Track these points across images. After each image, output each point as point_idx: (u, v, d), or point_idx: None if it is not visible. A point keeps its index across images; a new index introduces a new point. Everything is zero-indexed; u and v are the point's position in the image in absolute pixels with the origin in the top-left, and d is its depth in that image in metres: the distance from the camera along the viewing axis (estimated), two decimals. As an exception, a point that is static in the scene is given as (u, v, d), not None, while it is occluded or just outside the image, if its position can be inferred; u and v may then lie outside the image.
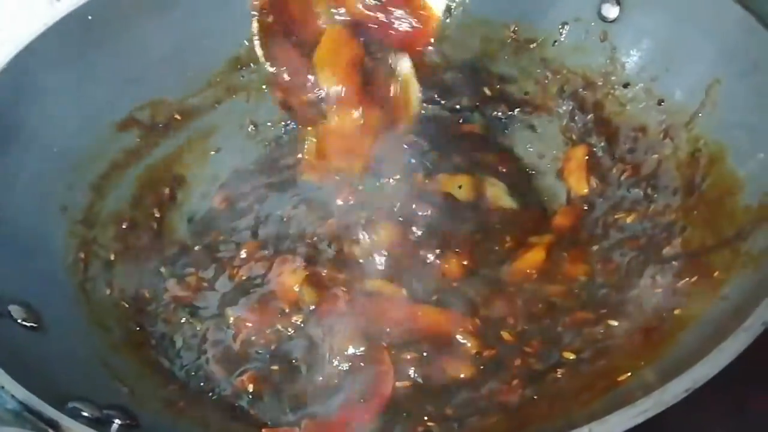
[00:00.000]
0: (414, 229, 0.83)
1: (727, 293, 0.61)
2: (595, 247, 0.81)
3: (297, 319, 0.78)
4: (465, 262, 0.81)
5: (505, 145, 0.97)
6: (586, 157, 0.88)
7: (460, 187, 0.88)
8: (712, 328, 0.58)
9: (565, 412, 0.62)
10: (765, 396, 0.68)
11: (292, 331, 0.77)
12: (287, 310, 0.78)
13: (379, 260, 0.81)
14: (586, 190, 0.87)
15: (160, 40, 0.92)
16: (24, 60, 0.82)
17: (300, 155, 0.91)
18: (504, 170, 0.93)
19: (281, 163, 0.97)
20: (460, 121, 1.00)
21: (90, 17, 0.88)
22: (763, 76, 0.70)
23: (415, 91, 0.73)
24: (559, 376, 0.68)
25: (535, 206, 0.89)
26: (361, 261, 0.82)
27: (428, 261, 0.81)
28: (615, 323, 0.71)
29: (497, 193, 0.89)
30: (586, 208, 0.86)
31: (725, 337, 0.51)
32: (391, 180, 0.89)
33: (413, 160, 0.92)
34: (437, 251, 0.81)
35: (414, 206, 0.85)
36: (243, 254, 0.86)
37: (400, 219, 0.84)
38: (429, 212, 0.84)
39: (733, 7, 0.74)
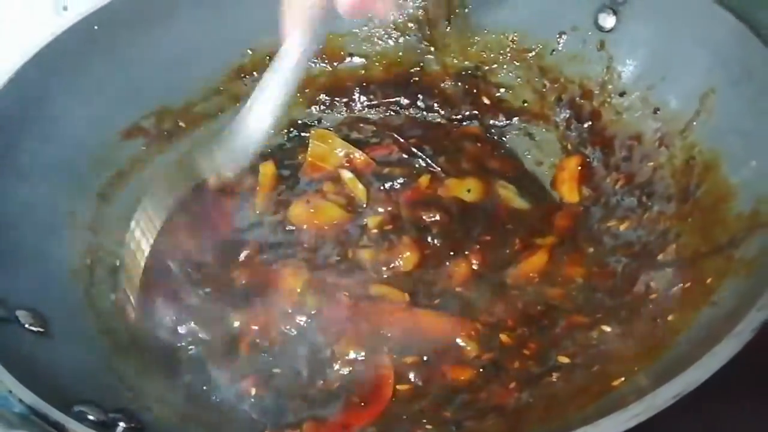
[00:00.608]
0: (424, 234, 0.84)
1: (718, 299, 0.62)
2: (590, 250, 0.82)
3: (300, 319, 0.78)
4: (474, 267, 0.82)
5: (508, 150, 0.97)
6: (579, 168, 0.90)
7: (468, 190, 0.89)
8: (705, 334, 0.58)
9: (560, 415, 0.63)
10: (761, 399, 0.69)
11: (296, 332, 0.78)
12: (290, 311, 0.79)
13: (384, 266, 0.82)
14: (576, 200, 0.88)
15: (165, 49, 0.93)
16: (31, 69, 0.83)
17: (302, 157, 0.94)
18: (509, 174, 0.94)
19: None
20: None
21: (96, 27, 0.89)
22: (757, 85, 0.71)
23: (362, 189, 0.89)
24: (555, 379, 0.69)
25: (544, 206, 0.90)
26: (365, 266, 0.83)
27: (438, 266, 0.82)
28: (609, 329, 0.72)
29: (509, 195, 0.90)
30: (582, 209, 0.87)
31: (716, 342, 0.52)
32: (395, 184, 0.90)
33: (418, 165, 0.94)
34: (450, 254, 0.82)
35: (421, 211, 0.86)
36: (243, 257, 0.86)
37: (408, 224, 0.85)
38: (438, 217, 0.85)
39: (727, 17, 0.75)
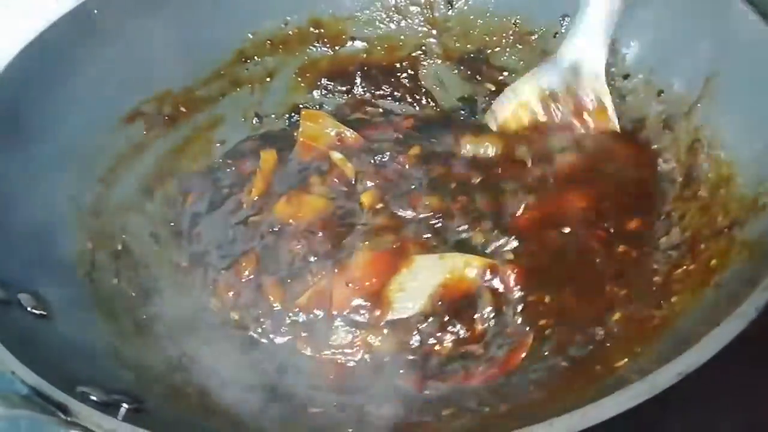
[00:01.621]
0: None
1: (721, 281, 0.62)
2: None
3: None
4: None
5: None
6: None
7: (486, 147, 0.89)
8: (708, 315, 0.58)
9: (563, 396, 0.63)
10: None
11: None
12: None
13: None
14: None
15: (166, 33, 0.93)
16: (31, 54, 0.83)
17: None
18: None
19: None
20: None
21: (95, 11, 0.88)
22: (761, 67, 0.71)
23: (350, 168, 0.87)
24: (558, 360, 0.69)
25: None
26: None
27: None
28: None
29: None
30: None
31: (719, 322, 0.52)
32: (385, 157, 0.89)
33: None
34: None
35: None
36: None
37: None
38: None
39: (731, -1, 0.75)
